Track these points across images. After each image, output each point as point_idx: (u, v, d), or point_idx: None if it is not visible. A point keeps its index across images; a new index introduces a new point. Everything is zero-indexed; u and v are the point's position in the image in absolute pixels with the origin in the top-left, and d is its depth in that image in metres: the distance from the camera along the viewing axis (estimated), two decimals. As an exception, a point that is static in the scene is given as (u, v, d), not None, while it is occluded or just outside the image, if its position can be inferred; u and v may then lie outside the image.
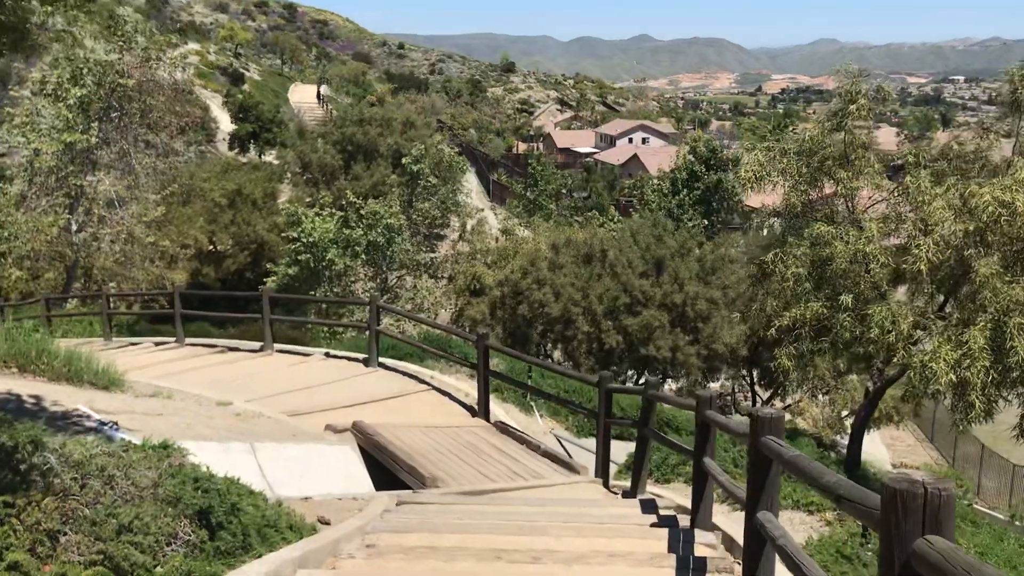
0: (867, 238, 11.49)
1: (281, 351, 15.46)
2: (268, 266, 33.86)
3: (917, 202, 11.53)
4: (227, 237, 41.54)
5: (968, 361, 10.09)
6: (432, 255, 36.47)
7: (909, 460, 33.08)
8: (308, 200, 37.38)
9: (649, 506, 8.16)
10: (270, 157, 60.11)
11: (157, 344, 17.20)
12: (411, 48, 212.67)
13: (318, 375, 13.61)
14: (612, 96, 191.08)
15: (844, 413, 29.16)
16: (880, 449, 32.82)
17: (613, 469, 10.54)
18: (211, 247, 42.09)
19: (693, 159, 49.51)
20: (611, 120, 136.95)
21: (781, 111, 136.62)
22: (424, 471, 8.82)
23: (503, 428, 11.47)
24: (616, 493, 9.40)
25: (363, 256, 32.39)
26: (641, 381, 29.16)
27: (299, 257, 31.37)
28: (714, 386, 31.99)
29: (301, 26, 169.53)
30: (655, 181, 53.13)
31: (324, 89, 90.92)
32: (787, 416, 32.47)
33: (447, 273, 36.14)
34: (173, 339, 16.95)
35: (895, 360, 11.53)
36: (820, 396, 29.88)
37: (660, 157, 73.36)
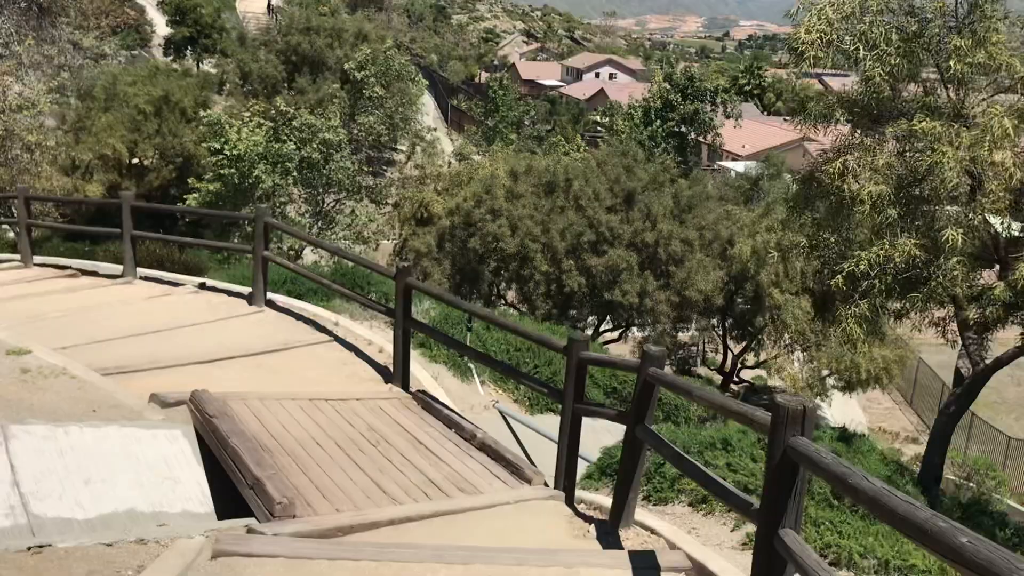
0: (993, 141, 7.89)
1: (146, 278, 11.78)
2: (190, 181, 29.74)
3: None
4: (151, 149, 37.30)
5: None
6: (375, 180, 32.69)
7: (887, 425, 30.51)
8: (246, 114, 33.10)
9: (645, 567, 4.78)
10: (208, 66, 55.08)
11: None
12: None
13: (179, 314, 10.00)
14: (580, 31, 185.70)
15: (825, 373, 26.23)
16: (856, 412, 30.15)
17: (581, 468, 7.14)
18: (132, 159, 37.87)
19: (668, 87, 45.73)
20: (578, 54, 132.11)
21: (749, 55, 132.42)
22: (274, 491, 5.33)
23: (425, 403, 8.01)
24: (588, 521, 6.02)
25: (295, 174, 28.41)
26: (609, 336, 25.94)
27: (222, 172, 27.36)
28: (683, 336, 28.92)
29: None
30: (626, 109, 49.34)
31: (277, 1, 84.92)
32: (761, 374, 29.63)
33: (392, 199, 32.43)
34: (19, 258, 13.14)
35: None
36: (800, 352, 26.96)
37: (628, 93, 69.43)
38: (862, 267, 8.27)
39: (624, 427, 5.93)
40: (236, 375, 8.20)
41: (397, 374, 8.47)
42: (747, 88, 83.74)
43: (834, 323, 9.57)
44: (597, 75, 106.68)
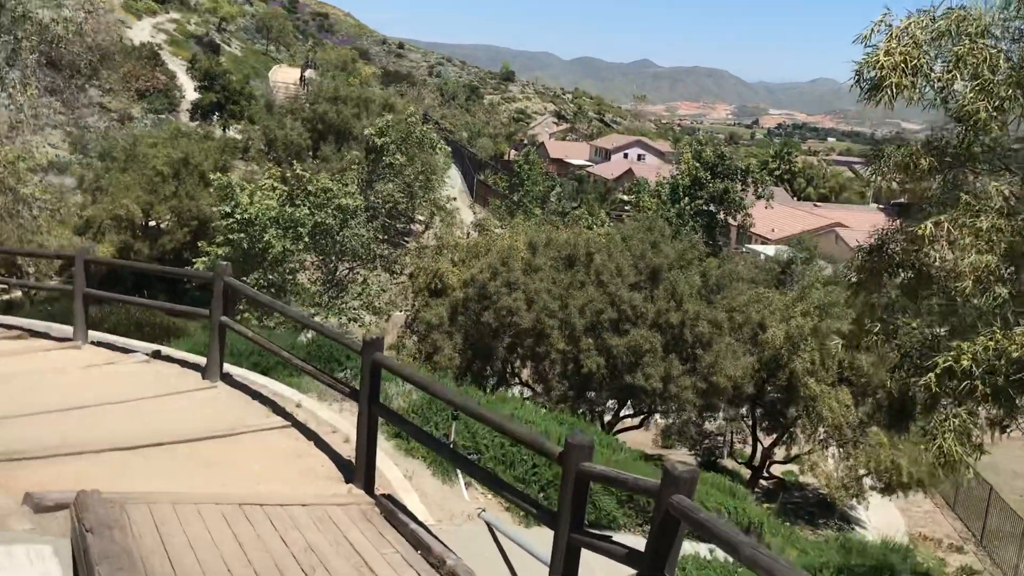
0: None
1: (98, 343, 10.34)
2: (201, 244, 28.63)
3: None
4: (167, 211, 36.55)
5: None
6: (390, 250, 31.45)
7: (928, 530, 28.06)
8: (267, 180, 32.31)
9: None
10: (234, 132, 54.91)
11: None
12: (411, 48, 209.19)
13: (117, 386, 8.51)
14: (610, 114, 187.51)
15: (862, 472, 24.12)
16: (894, 515, 27.80)
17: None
18: (146, 221, 37.13)
19: (698, 165, 44.52)
20: (607, 135, 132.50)
21: (779, 142, 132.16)
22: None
23: (389, 512, 6.36)
24: None
25: (307, 240, 27.17)
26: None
27: (231, 236, 26.17)
28: (710, 426, 26.97)
29: (301, 17, 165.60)
30: (654, 186, 48.13)
31: (309, 73, 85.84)
32: (793, 469, 27.50)
33: (408, 269, 31.17)
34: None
35: None
36: (836, 449, 24.89)
37: (656, 173, 68.53)
38: (964, 363, 6.44)
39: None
40: (161, 467, 6.63)
41: (359, 472, 6.86)
42: (777, 173, 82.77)
43: (925, 437, 7.68)
44: (625, 156, 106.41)
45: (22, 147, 21.18)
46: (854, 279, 8.29)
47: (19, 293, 28.88)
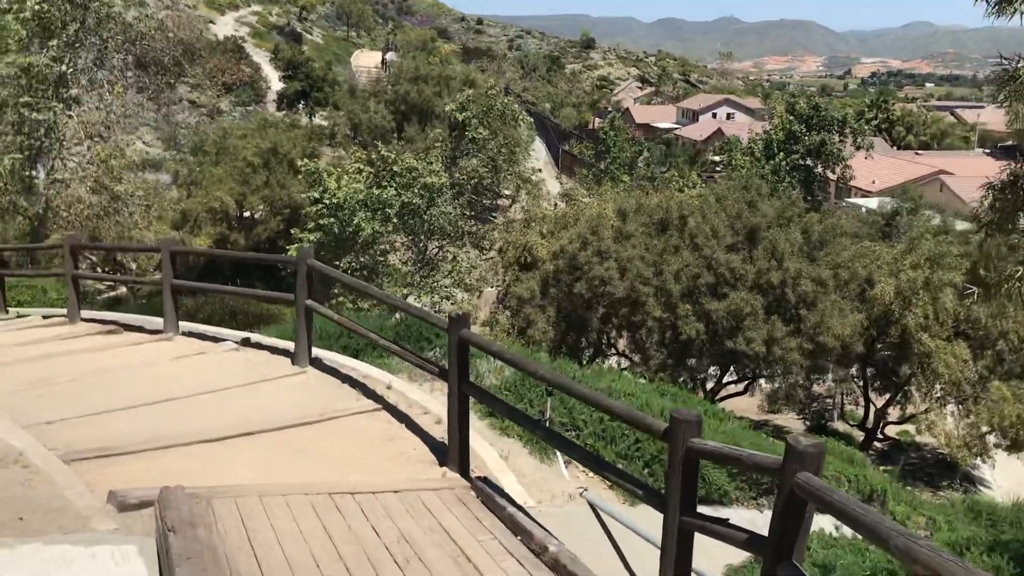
0: None
1: (189, 334, 10.30)
2: (293, 231, 28.99)
3: None
4: (259, 201, 37.17)
5: None
6: (478, 226, 31.21)
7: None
8: (355, 165, 32.54)
9: None
10: (320, 119, 55.50)
11: (46, 318, 12.27)
12: (490, 24, 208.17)
13: (206, 376, 8.41)
14: (695, 74, 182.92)
15: (985, 429, 22.80)
16: (1023, 474, 26.26)
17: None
18: (240, 211, 37.85)
19: (792, 118, 42.76)
20: (694, 95, 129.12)
21: (874, 91, 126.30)
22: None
23: (486, 496, 6.02)
24: None
25: (395, 221, 27.15)
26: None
27: (321, 222, 26.40)
28: (818, 388, 25.94)
29: (380, 0, 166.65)
30: (745, 143, 46.46)
31: (390, 56, 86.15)
32: (908, 430, 26.27)
33: (496, 244, 30.93)
34: (66, 312, 11.95)
35: None
36: (955, 406, 23.62)
37: (746, 133, 66.35)
38: None
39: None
40: (250, 457, 6.44)
41: (453, 454, 6.53)
42: (874, 122, 79.16)
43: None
44: (714, 115, 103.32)
45: (114, 146, 21.63)
46: (984, 219, 7.46)
47: (124, 289, 29.69)
